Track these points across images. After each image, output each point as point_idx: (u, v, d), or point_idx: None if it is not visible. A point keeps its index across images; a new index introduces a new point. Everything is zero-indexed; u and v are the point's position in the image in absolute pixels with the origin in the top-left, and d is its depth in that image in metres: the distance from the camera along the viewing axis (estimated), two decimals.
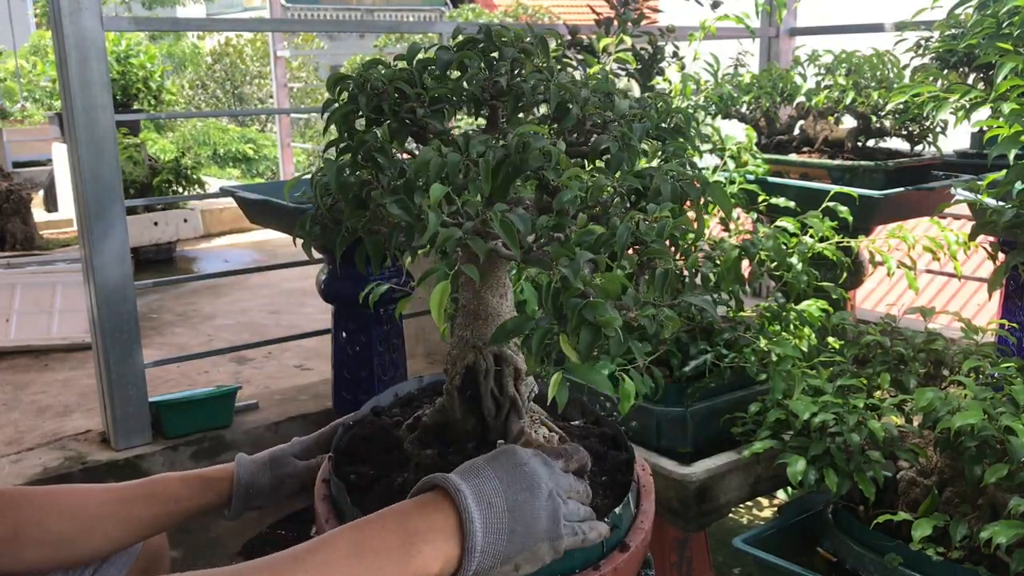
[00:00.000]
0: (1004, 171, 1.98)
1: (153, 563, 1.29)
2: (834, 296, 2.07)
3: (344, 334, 2.57)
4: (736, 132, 2.61)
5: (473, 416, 1.17)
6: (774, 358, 1.88)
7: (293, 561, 0.88)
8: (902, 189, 2.64)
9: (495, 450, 1.04)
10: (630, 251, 1.01)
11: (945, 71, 2.49)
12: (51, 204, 7.57)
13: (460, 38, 1.16)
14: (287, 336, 3.24)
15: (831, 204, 2.19)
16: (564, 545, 0.97)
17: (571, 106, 1.09)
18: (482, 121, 1.16)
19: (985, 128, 1.95)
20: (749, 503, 2.99)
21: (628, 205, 1.08)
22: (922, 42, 2.69)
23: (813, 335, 2.05)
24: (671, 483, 1.80)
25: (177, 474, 1.20)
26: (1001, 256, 2.21)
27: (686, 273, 2.09)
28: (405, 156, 1.10)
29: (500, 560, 0.93)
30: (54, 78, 8.07)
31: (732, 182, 2.34)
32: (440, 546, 0.91)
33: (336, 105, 1.10)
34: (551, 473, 1.00)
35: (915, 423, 1.78)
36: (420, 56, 1.12)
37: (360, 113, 1.09)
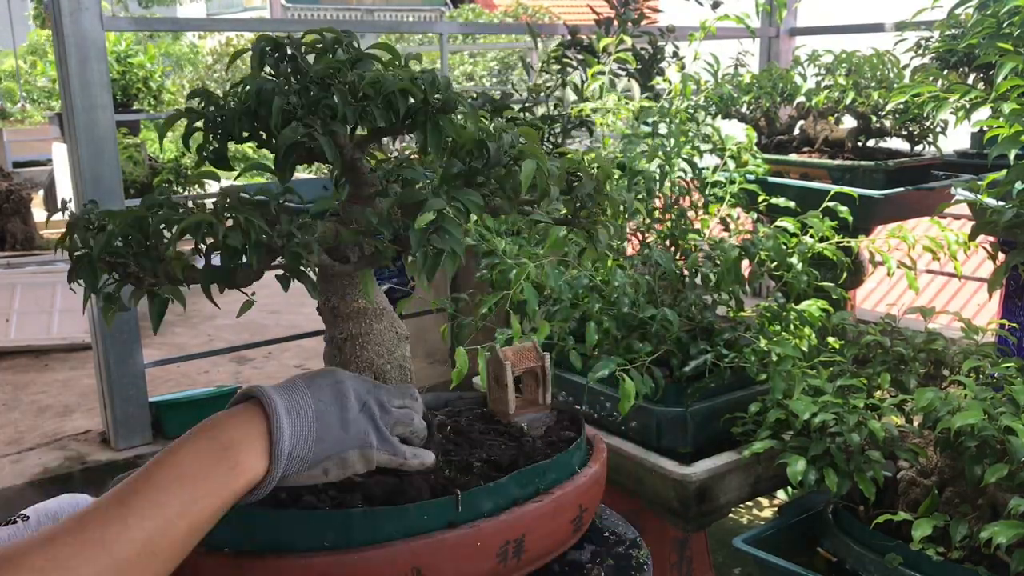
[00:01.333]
0: (1004, 171, 1.98)
1: None
2: (834, 296, 2.07)
3: None
4: (736, 132, 2.61)
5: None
6: (774, 358, 1.88)
7: (120, 506, 0.87)
8: (902, 189, 2.64)
9: (317, 370, 1.08)
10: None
11: (945, 71, 2.49)
12: (51, 204, 7.57)
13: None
14: (287, 336, 3.24)
15: (831, 204, 2.19)
16: (376, 457, 1.01)
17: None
18: None
19: (985, 128, 1.95)
20: (749, 503, 2.99)
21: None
22: (922, 42, 2.69)
23: (813, 335, 2.05)
24: (671, 483, 1.80)
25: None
26: (1001, 256, 2.21)
27: (686, 273, 2.10)
28: None
29: (307, 464, 0.97)
30: (53, 78, 8.07)
31: (732, 182, 2.34)
32: (256, 451, 0.95)
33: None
34: (370, 392, 1.05)
35: (915, 423, 1.78)
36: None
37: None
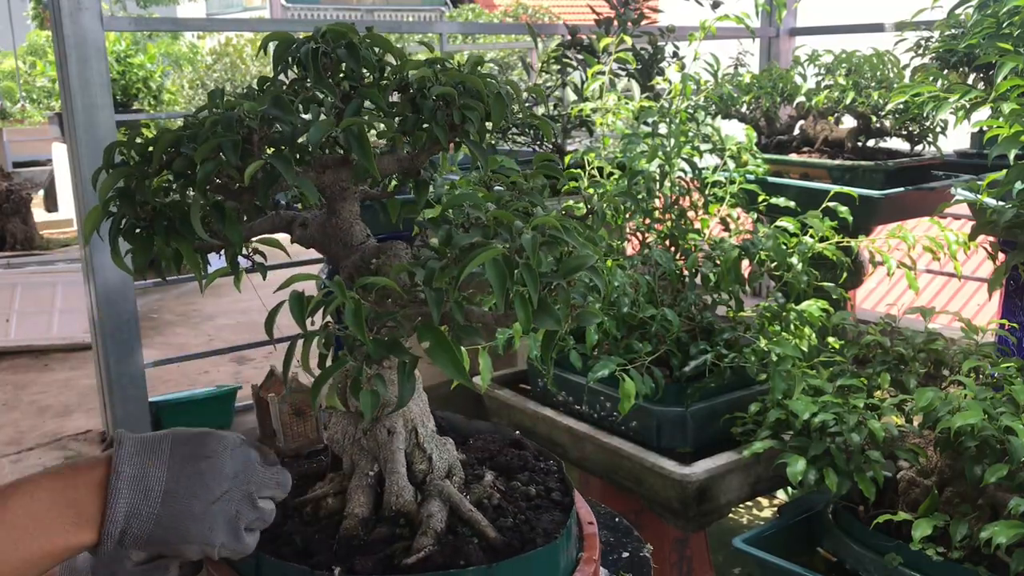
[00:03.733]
0: (1004, 171, 1.98)
1: None
2: (834, 296, 2.07)
3: None
4: (736, 132, 2.61)
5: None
6: (774, 358, 1.88)
7: None
8: (902, 189, 2.64)
9: (197, 429, 1.01)
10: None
11: (945, 71, 2.48)
12: (51, 204, 7.58)
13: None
14: (287, 336, 3.23)
15: (831, 204, 2.19)
16: (217, 555, 0.95)
17: None
18: None
19: (985, 128, 1.95)
20: (749, 503, 2.99)
21: None
22: (922, 42, 2.69)
23: (813, 335, 2.05)
24: (671, 483, 1.80)
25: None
26: (1001, 256, 2.21)
27: (686, 273, 2.10)
28: None
29: (142, 543, 0.93)
30: (53, 78, 8.07)
31: (732, 182, 2.34)
32: (88, 519, 0.91)
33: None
34: (241, 481, 0.98)
35: (915, 423, 1.78)
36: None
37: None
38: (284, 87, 1.06)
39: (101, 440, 2.77)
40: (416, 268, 0.94)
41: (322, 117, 0.99)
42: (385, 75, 1.09)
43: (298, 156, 1.02)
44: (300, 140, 0.99)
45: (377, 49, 1.07)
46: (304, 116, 1.01)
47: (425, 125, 1.06)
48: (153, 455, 0.95)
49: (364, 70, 1.06)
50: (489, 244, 0.91)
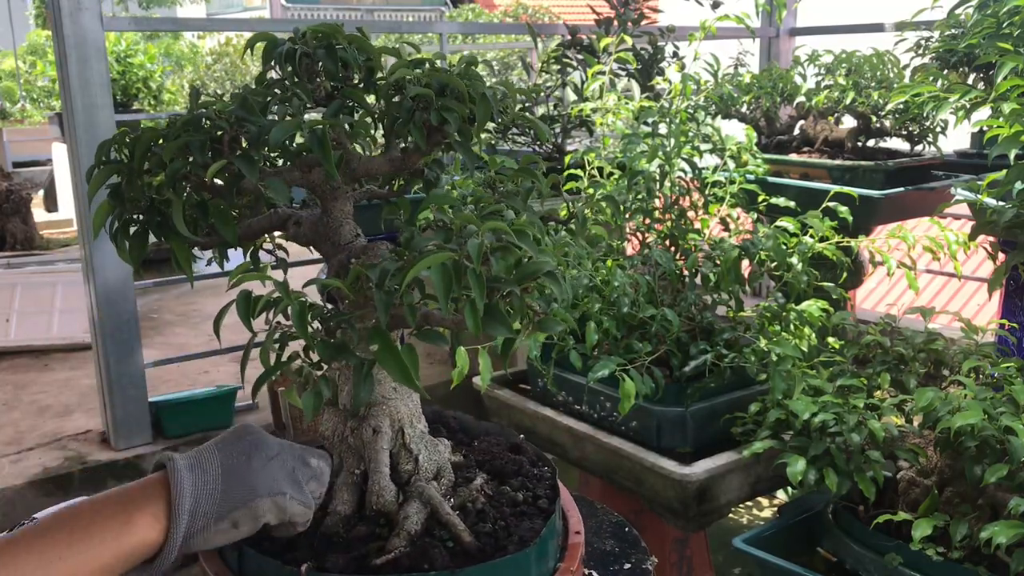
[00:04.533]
0: (1004, 171, 1.98)
1: None
2: (834, 296, 2.07)
3: None
4: (736, 132, 2.61)
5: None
6: (774, 358, 1.88)
7: (8, 555, 0.86)
8: (902, 189, 2.64)
9: (230, 428, 1.07)
10: None
11: (945, 71, 2.48)
12: (51, 204, 7.57)
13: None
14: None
15: (831, 204, 2.19)
16: (289, 507, 0.98)
17: None
18: None
19: (985, 128, 1.95)
20: (749, 503, 2.99)
21: None
22: (922, 42, 2.69)
23: (813, 335, 2.05)
24: (671, 483, 1.80)
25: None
26: (1001, 256, 2.21)
27: (686, 273, 2.10)
28: None
29: (213, 518, 0.95)
30: (53, 78, 8.07)
31: (732, 182, 2.34)
32: (152, 511, 0.93)
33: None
34: (284, 442, 1.03)
35: (915, 423, 1.78)
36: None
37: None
38: (266, 87, 1.07)
39: (101, 440, 2.77)
40: (371, 270, 0.94)
41: (288, 118, 1.00)
42: (374, 76, 1.09)
43: (278, 156, 1.03)
44: (270, 140, 0.99)
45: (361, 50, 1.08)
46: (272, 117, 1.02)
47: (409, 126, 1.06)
48: (200, 451, 0.99)
49: (349, 71, 1.06)
50: (444, 248, 0.91)
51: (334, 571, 1.00)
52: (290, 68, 1.05)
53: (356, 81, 1.08)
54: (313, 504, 1.02)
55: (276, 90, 1.05)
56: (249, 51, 1.11)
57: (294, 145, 1.02)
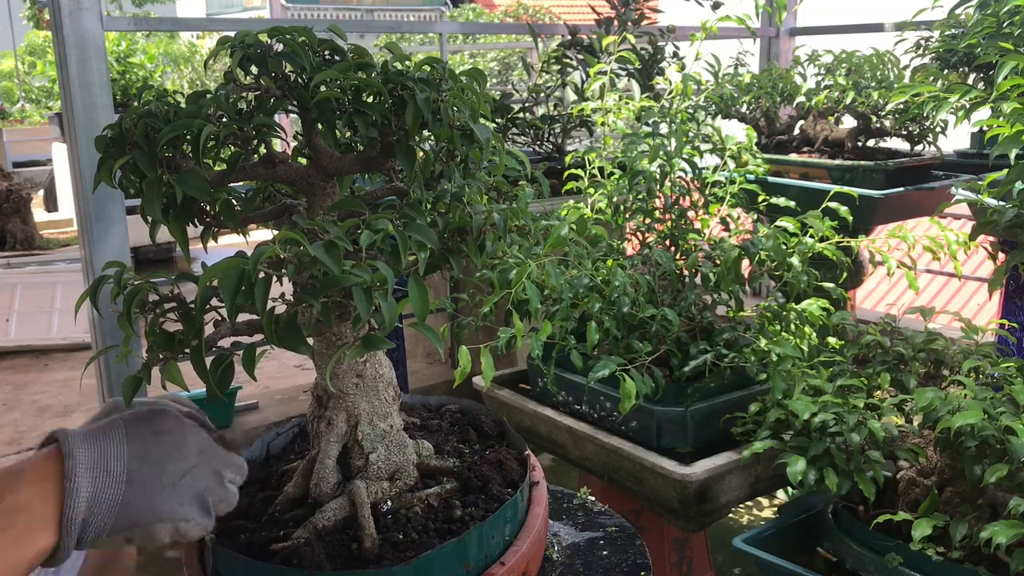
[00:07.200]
0: (1004, 171, 1.98)
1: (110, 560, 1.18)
2: (834, 296, 2.07)
3: None
4: (736, 132, 2.61)
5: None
6: (774, 358, 1.88)
7: None
8: (902, 189, 2.64)
9: (146, 408, 0.98)
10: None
11: (945, 71, 2.49)
12: (51, 204, 7.58)
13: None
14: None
15: (831, 204, 2.19)
16: (189, 533, 0.90)
17: None
18: None
19: (985, 128, 1.95)
20: (749, 503, 2.99)
21: None
22: (922, 42, 2.70)
23: (813, 335, 2.05)
24: (671, 483, 1.80)
25: None
26: (1001, 256, 2.21)
27: (686, 273, 2.10)
28: None
29: (106, 532, 0.86)
30: (53, 78, 8.07)
31: (732, 182, 2.34)
32: (46, 519, 0.84)
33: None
34: (206, 458, 0.93)
35: (915, 423, 1.78)
36: None
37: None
38: (203, 92, 1.08)
39: None
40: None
41: (224, 120, 1.03)
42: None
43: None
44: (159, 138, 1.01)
45: (328, 51, 1.11)
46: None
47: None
48: (108, 439, 0.89)
49: (293, 73, 1.08)
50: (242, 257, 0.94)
51: (239, 547, 1.04)
52: (234, 72, 1.08)
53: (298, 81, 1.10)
54: (213, 524, 0.94)
55: (219, 92, 1.07)
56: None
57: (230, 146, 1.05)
